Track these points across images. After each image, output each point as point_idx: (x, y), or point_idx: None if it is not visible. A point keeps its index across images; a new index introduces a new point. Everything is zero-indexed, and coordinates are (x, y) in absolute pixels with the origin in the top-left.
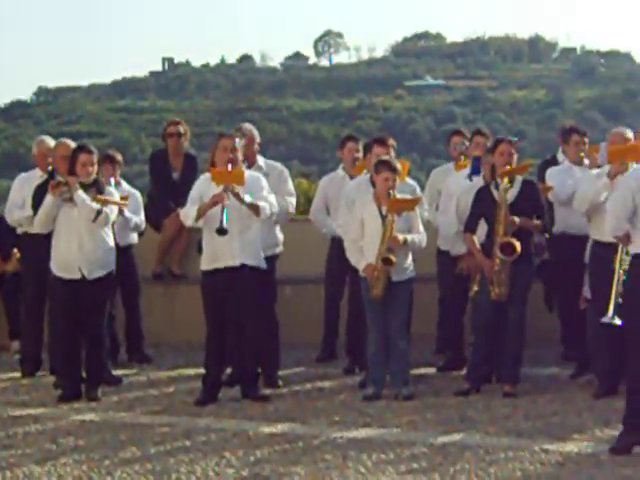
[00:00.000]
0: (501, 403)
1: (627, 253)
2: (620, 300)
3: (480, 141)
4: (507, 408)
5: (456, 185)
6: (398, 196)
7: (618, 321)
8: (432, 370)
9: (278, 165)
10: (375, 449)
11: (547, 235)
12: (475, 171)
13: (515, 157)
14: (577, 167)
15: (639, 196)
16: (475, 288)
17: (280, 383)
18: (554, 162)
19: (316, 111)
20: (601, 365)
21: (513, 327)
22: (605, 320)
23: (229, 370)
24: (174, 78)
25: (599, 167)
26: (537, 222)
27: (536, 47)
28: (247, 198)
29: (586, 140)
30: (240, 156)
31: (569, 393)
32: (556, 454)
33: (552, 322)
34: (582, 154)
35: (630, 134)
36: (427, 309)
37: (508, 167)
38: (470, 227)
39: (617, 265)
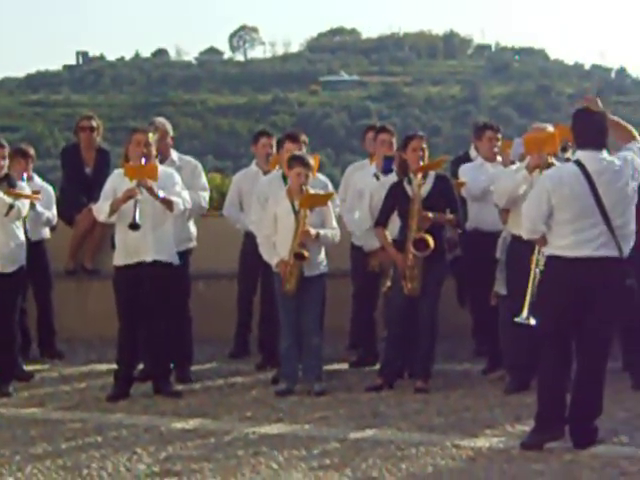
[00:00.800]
0: (413, 399)
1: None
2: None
3: (385, 138)
4: (419, 403)
5: (364, 182)
6: (311, 191)
7: (533, 321)
8: (345, 366)
9: (191, 160)
10: (287, 445)
11: (460, 231)
12: (386, 170)
13: (427, 152)
14: (490, 163)
15: (555, 197)
16: (388, 283)
17: (192, 379)
18: (467, 158)
19: (231, 106)
20: (512, 361)
21: (425, 323)
22: (519, 320)
23: (141, 366)
24: (88, 72)
25: (512, 163)
26: (450, 217)
27: (451, 43)
28: (160, 193)
29: (499, 136)
30: (153, 151)
31: (481, 388)
32: (467, 449)
33: (464, 318)
34: (495, 150)
35: (551, 129)
36: (341, 305)
37: (423, 163)
38: (381, 222)
39: (533, 265)
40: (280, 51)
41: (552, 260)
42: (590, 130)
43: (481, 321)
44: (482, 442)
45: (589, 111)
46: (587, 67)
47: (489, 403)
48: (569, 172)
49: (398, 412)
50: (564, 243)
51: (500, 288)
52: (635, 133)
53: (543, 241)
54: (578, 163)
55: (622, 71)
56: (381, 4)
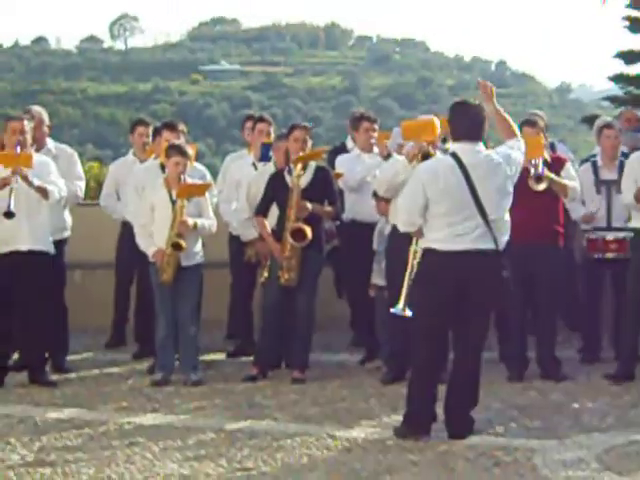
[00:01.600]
0: (290, 389)
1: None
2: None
3: (263, 128)
4: (296, 394)
5: (242, 171)
6: (188, 181)
7: (408, 312)
8: (222, 356)
9: (67, 148)
10: (162, 435)
11: (337, 222)
12: (264, 158)
13: (309, 143)
14: (366, 154)
15: (430, 190)
16: (265, 274)
17: (68, 368)
18: (344, 149)
19: (111, 95)
20: (389, 351)
21: (302, 313)
22: (395, 311)
23: (16, 355)
24: None
25: (389, 154)
26: (329, 209)
27: (332, 34)
28: (35, 181)
29: (375, 127)
30: (29, 139)
31: (357, 379)
32: (343, 440)
33: (341, 308)
34: (372, 141)
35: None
36: (219, 295)
37: (302, 153)
38: (261, 211)
39: (411, 257)
40: (161, 40)
41: (428, 253)
42: (466, 122)
43: (359, 312)
44: (358, 432)
45: (466, 103)
46: (467, 59)
47: (366, 393)
48: (444, 165)
49: (274, 402)
50: (439, 236)
51: (377, 279)
52: (517, 131)
53: (420, 233)
54: (454, 155)
55: (502, 64)
56: None
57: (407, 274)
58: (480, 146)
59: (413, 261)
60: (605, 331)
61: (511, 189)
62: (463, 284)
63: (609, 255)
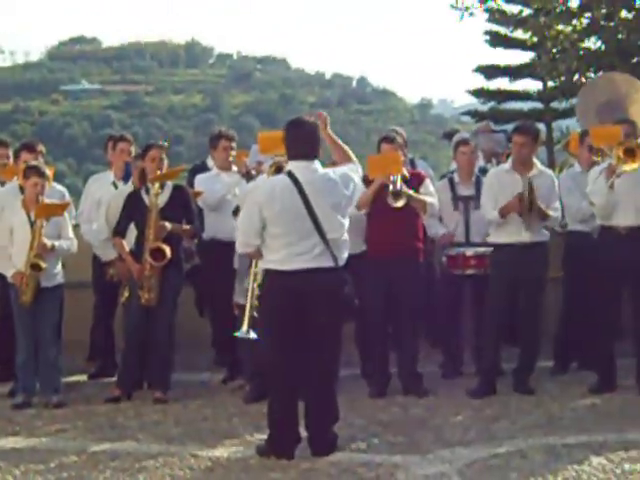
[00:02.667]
0: (152, 409)
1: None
2: (255, 314)
3: (124, 147)
4: (158, 414)
5: (102, 191)
6: (46, 201)
7: (253, 335)
8: (84, 377)
9: None
10: (24, 458)
11: (196, 240)
12: (127, 177)
13: (166, 162)
14: (225, 172)
15: (267, 211)
16: (125, 294)
17: None
18: (204, 168)
19: None
20: (252, 370)
21: (162, 332)
22: (240, 335)
23: None
24: None
25: (248, 173)
26: (187, 227)
27: (192, 52)
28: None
29: (234, 145)
30: None
31: (220, 398)
32: (205, 459)
33: (203, 327)
34: (230, 159)
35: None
36: (82, 316)
37: (159, 172)
38: (119, 231)
39: (251, 278)
40: (20, 59)
41: (268, 274)
42: (301, 141)
43: (220, 330)
44: (220, 452)
45: (300, 122)
46: (328, 76)
47: (228, 412)
48: (281, 185)
49: (136, 423)
50: (278, 257)
51: (240, 298)
52: (352, 156)
53: (258, 254)
54: (290, 174)
55: (363, 80)
56: (122, 13)
57: (249, 297)
58: (316, 164)
59: (253, 284)
60: (466, 346)
61: (348, 206)
62: (304, 303)
63: (469, 271)
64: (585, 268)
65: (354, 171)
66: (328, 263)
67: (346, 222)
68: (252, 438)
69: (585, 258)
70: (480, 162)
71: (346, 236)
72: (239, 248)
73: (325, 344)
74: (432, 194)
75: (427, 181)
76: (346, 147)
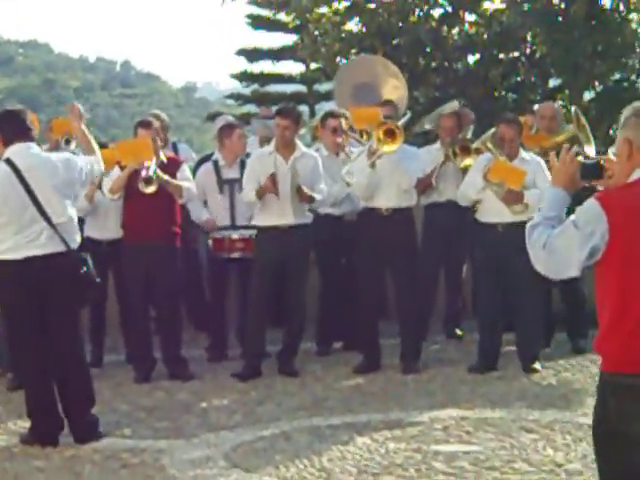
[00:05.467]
0: None
1: None
2: None
3: None
4: None
5: None
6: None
7: None
8: None
9: None
10: None
11: None
12: None
13: None
14: None
15: None
16: None
17: None
18: None
19: None
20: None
21: None
22: None
23: None
24: None
25: None
26: None
27: None
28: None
29: None
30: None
31: None
32: None
33: None
34: None
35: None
36: None
37: None
38: None
39: None
40: None
41: (1, 264)
42: (16, 126)
43: None
44: None
45: (13, 110)
46: (92, 60)
47: None
48: (0, 173)
49: None
50: (6, 246)
51: None
52: (97, 151)
53: None
54: (8, 161)
55: (127, 64)
56: None
57: None
58: (34, 147)
59: None
60: (231, 329)
61: (71, 190)
62: (40, 290)
63: (235, 254)
64: (335, 250)
65: (91, 161)
66: (59, 248)
67: (73, 206)
68: (15, 427)
69: (335, 241)
70: (255, 147)
71: (75, 220)
72: None
73: (67, 328)
74: (189, 179)
75: (184, 166)
76: (91, 139)
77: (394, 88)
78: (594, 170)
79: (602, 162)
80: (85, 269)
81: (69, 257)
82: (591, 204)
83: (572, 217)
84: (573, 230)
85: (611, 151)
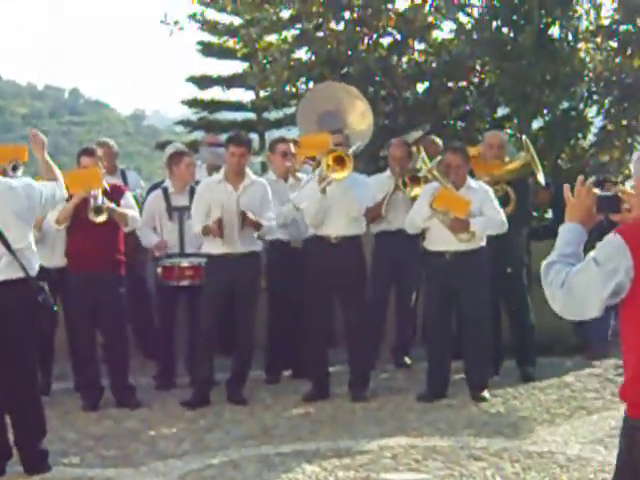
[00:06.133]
0: None
1: None
2: None
3: None
4: None
5: None
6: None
7: None
8: None
9: None
10: None
11: None
12: None
13: None
14: None
15: None
16: None
17: None
18: None
19: None
20: None
21: None
22: None
23: None
24: None
25: None
26: None
27: None
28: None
29: None
30: None
31: None
32: None
33: None
34: None
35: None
36: None
37: None
38: None
39: None
40: None
41: None
42: None
43: None
44: None
45: None
46: (40, 87)
47: None
48: None
49: None
50: None
51: None
52: (59, 177)
53: None
54: None
55: (75, 91)
56: None
57: None
58: None
59: None
60: (180, 357)
61: (31, 216)
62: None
63: (184, 282)
64: (284, 276)
65: (53, 187)
66: (18, 274)
67: (30, 232)
68: None
69: (285, 266)
70: (204, 174)
71: (34, 247)
72: None
73: (21, 357)
74: (133, 207)
75: (127, 193)
76: (55, 168)
77: (360, 115)
78: (612, 203)
79: (619, 194)
80: (42, 297)
81: (27, 284)
82: (612, 239)
83: (592, 254)
84: (594, 267)
85: (629, 184)
